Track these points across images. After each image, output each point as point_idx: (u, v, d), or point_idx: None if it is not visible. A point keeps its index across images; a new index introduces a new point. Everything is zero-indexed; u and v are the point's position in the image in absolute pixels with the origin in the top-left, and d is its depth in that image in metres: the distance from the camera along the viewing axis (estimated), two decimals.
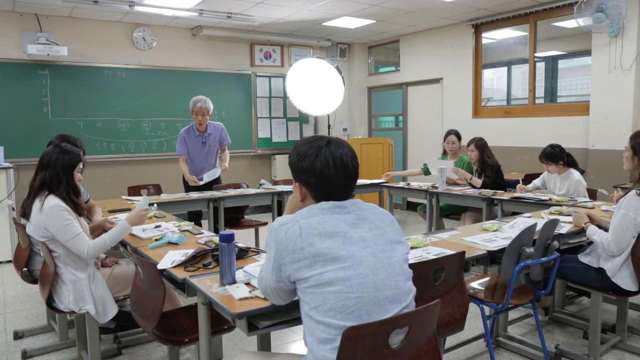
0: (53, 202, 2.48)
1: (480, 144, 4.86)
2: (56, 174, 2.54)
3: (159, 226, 3.08)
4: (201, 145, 4.84)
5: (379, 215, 1.59)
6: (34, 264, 3.01)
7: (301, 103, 7.39)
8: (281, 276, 1.49)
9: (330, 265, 1.42)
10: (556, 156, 4.08)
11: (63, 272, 2.55)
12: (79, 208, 2.61)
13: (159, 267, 2.15)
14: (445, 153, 5.39)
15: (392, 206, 5.48)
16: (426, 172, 5.42)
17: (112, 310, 2.59)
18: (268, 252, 1.53)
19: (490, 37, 6.82)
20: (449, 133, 5.25)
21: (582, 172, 4.17)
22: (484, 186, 4.78)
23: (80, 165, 2.66)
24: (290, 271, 1.46)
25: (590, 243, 2.90)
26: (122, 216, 3.47)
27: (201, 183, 4.76)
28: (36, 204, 2.52)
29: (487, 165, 4.83)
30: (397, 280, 1.50)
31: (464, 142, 5.23)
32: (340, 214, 1.52)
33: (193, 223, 3.28)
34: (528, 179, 5.36)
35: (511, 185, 4.79)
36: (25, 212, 2.62)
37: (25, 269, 3.03)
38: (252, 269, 2.03)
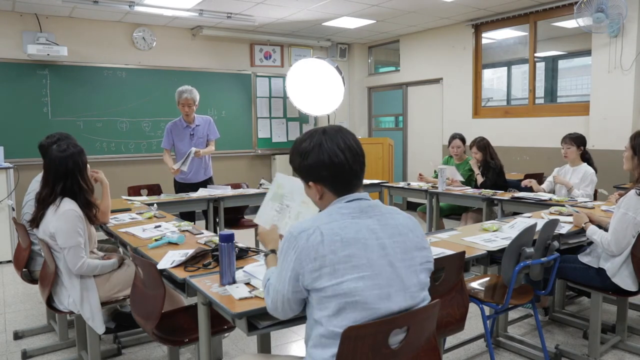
0: (69, 206, 2.48)
1: (482, 144, 4.86)
2: (77, 181, 2.54)
3: (159, 226, 3.08)
4: (189, 137, 4.72)
5: (401, 220, 1.53)
6: (34, 265, 3.01)
7: (301, 103, 7.39)
8: (298, 285, 1.42)
9: (350, 274, 1.37)
10: (581, 140, 4.12)
11: (63, 275, 2.55)
12: (91, 215, 2.61)
13: (159, 267, 2.15)
14: (450, 157, 5.39)
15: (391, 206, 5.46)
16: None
17: (100, 329, 2.53)
18: (284, 261, 1.44)
19: (490, 37, 6.82)
20: (453, 137, 5.22)
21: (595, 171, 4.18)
22: (483, 186, 4.78)
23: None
24: (308, 280, 1.39)
25: (590, 243, 2.90)
26: (121, 216, 3.48)
27: (181, 168, 4.57)
28: (51, 208, 2.49)
29: (490, 168, 4.83)
30: (412, 292, 1.46)
31: (467, 142, 5.23)
32: (361, 219, 1.46)
33: (193, 223, 3.28)
34: (528, 179, 5.35)
35: (513, 185, 4.79)
36: (36, 222, 2.56)
37: (25, 269, 3.03)
38: (252, 269, 2.04)
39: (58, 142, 2.64)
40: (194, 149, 4.57)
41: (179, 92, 4.65)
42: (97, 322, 2.53)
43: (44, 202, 2.53)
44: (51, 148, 2.58)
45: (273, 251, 1.83)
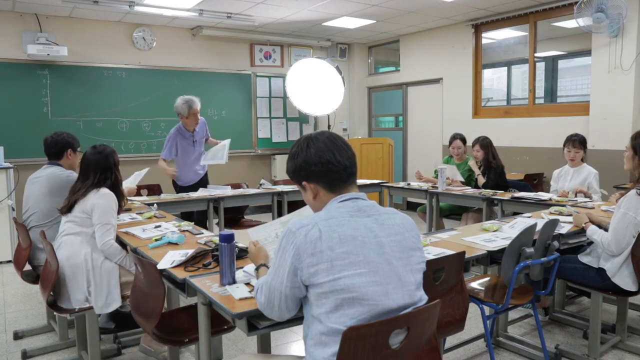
0: (109, 191, 2.77)
1: (484, 143, 4.87)
2: (116, 176, 2.86)
3: (159, 226, 3.08)
4: (192, 145, 4.79)
5: (398, 220, 1.56)
6: (39, 261, 3.01)
7: (301, 103, 7.39)
8: (297, 281, 1.44)
9: (346, 270, 1.39)
10: (586, 142, 4.14)
11: (77, 267, 2.61)
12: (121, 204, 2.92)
13: (159, 267, 2.15)
14: (450, 156, 5.39)
15: (392, 206, 5.46)
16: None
17: (115, 303, 2.65)
18: (282, 257, 1.46)
19: (490, 37, 6.82)
20: (454, 137, 5.23)
21: None
22: (485, 187, 4.78)
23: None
24: (306, 275, 1.41)
25: (590, 243, 2.90)
26: (121, 216, 3.47)
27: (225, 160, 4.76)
28: (93, 192, 2.73)
29: (491, 168, 4.83)
30: (410, 290, 1.48)
31: (468, 142, 5.23)
32: (359, 217, 1.49)
33: (193, 223, 3.28)
34: (528, 179, 5.36)
35: (514, 186, 4.80)
36: (70, 207, 2.75)
37: (27, 268, 3.03)
38: (252, 269, 2.03)
39: (93, 146, 2.96)
40: (228, 141, 4.79)
41: (189, 103, 4.60)
42: (112, 298, 2.64)
43: (88, 188, 2.74)
44: (88, 151, 2.90)
45: (264, 265, 1.84)
